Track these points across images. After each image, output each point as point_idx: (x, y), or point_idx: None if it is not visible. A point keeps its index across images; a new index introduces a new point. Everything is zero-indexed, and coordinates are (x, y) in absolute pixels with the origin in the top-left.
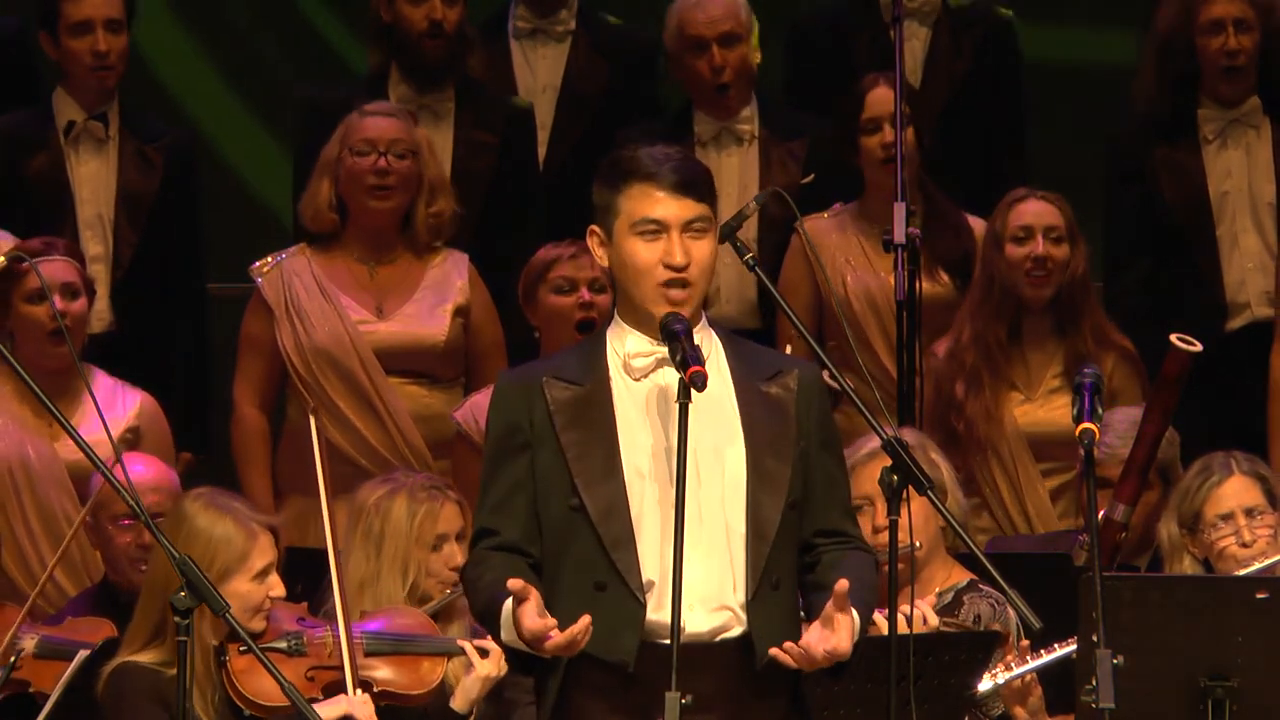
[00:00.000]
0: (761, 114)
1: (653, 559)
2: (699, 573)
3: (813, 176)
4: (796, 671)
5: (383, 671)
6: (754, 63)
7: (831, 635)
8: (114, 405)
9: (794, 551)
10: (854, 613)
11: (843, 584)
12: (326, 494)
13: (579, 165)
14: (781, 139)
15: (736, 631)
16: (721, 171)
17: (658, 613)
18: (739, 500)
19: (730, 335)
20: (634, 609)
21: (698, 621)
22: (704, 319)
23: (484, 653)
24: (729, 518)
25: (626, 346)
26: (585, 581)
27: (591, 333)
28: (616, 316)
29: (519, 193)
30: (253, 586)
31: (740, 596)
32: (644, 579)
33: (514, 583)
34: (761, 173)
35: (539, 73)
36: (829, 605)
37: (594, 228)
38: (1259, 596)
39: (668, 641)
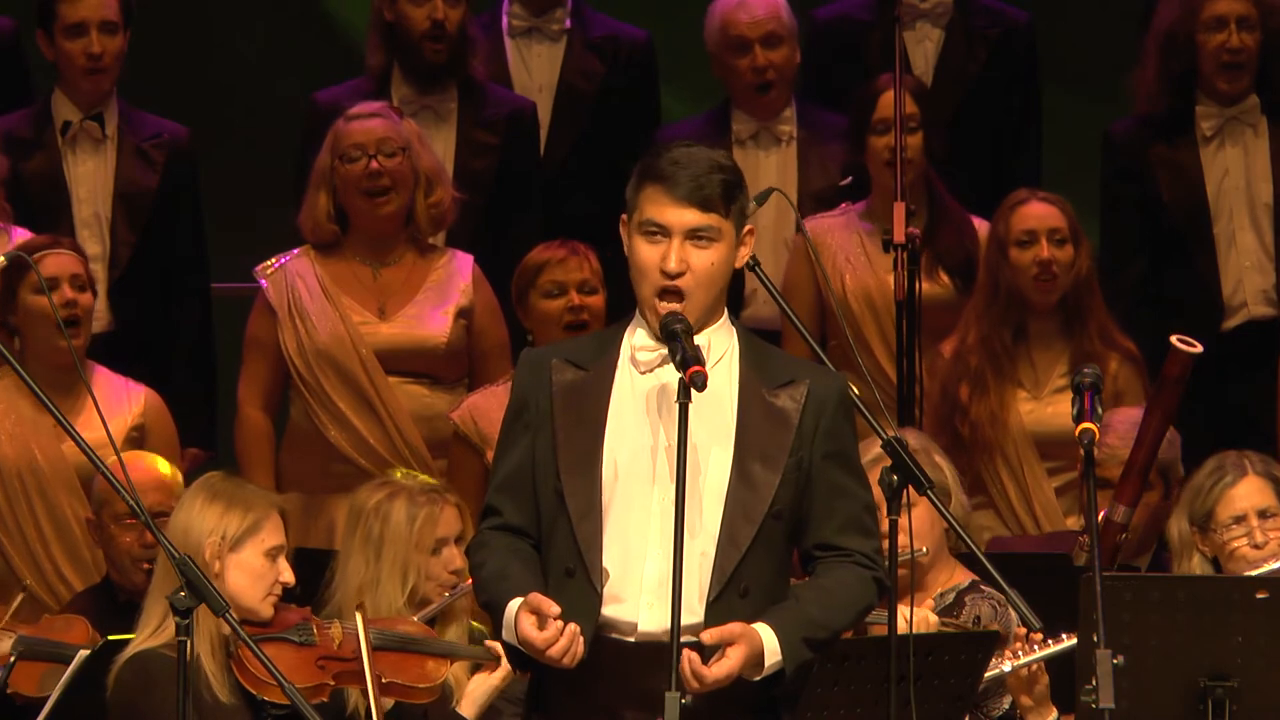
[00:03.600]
0: (800, 115)
1: (618, 552)
2: (664, 570)
3: (851, 179)
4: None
5: (389, 666)
6: (795, 63)
7: (718, 662)
8: (119, 402)
9: (775, 562)
10: (750, 642)
11: (726, 629)
12: (374, 684)
13: (577, 164)
14: (820, 140)
15: (692, 635)
16: (760, 171)
17: (612, 606)
18: (717, 503)
19: (753, 339)
20: (592, 599)
21: (655, 620)
22: (724, 318)
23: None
24: (705, 518)
25: (635, 339)
26: (560, 566)
27: (588, 329)
28: (637, 308)
29: (521, 192)
30: (265, 563)
31: (702, 598)
32: (603, 570)
33: (535, 598)
34: (800, 173)
35: (534, 72)
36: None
37: (624, 217)
38: (1259, 596)
39: (626, 638)
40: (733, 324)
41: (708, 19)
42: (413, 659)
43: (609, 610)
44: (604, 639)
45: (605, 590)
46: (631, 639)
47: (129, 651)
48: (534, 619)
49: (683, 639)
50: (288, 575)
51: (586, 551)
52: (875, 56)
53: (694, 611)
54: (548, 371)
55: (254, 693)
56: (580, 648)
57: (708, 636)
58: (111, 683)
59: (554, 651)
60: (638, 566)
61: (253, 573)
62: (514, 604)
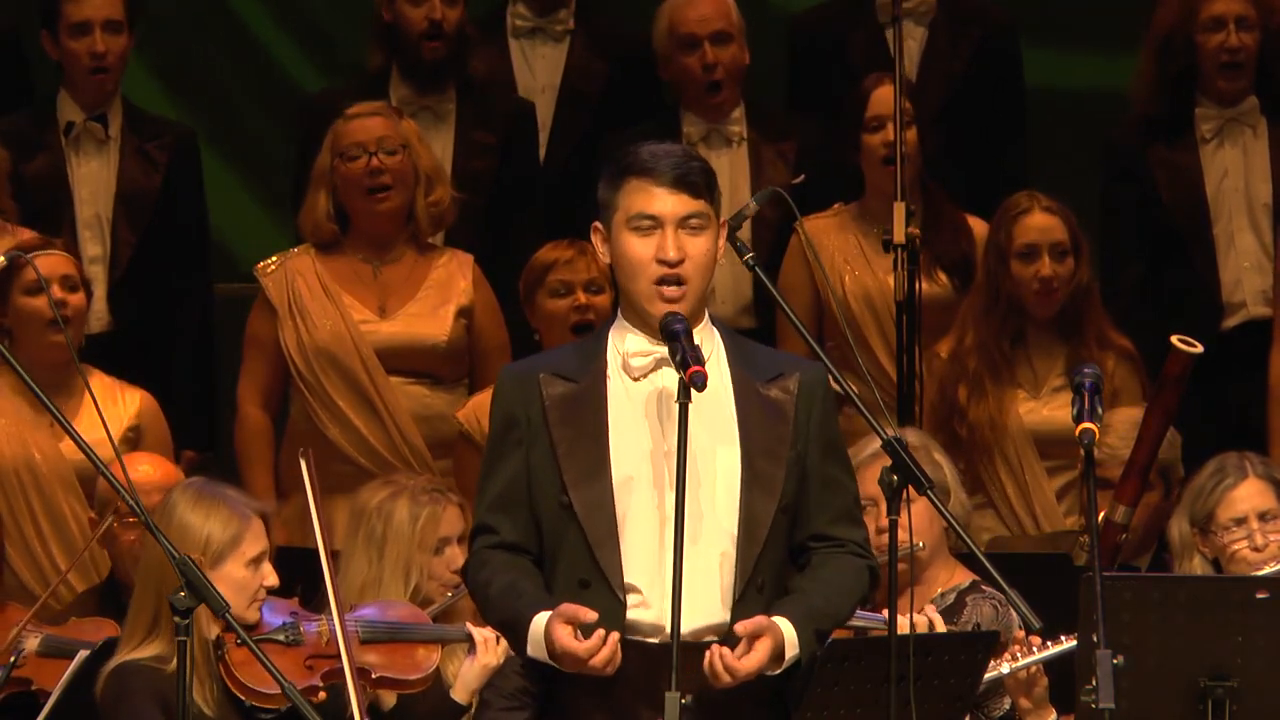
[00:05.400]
0: (750, 115)
1: (636, 558)
2: (685, 572)
3: (804, 177)
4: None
5: (379, 658)
6: (744, 62)
7: (745, 656)
8: (114, 404)
9: (782, 555)
10: (775, 635)
11: (755, 622)
12: (322, 532)
13: (579, 165)
14: (770, 140)
15: (717, 635)
16: None
17: (637, 611)
18: (731, 502)
19: (734, 335)
20: (615, 608)
21: (681, 620)
22: (707, 317)
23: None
24: (720, 519)
25: (626, 345)
26: (572, 578)
27: (594, 330)
28: (619, 314)
29: (521, 192)
30: (247, 574)
31: (727, 598)
32: (625, 579)
33: (569, 608)
34: (752, 174)
35: (538, 72)
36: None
37: (597, 224)
38: (1259, 596)
39: (649, 639)
40: (712, 322)
41: (656, 20)
42: (401, 648)
43: (632, 614)
44: (628, 642)
45: (629, 596)
46: (655, 640)
47: (113, 662)
48: (570, 629)
49: (709, 639)
50: (272, 579)
51: (605, 561)
52: (858, 56)
53: (719, 612)
54: (536, 385)
55: (244, 699)
56: (620, 655)
57: (740, 628)
58: (98, 691)
59: (597, 661)
60: (657, 570)
61: (235, 584)
62: (541, 618)
